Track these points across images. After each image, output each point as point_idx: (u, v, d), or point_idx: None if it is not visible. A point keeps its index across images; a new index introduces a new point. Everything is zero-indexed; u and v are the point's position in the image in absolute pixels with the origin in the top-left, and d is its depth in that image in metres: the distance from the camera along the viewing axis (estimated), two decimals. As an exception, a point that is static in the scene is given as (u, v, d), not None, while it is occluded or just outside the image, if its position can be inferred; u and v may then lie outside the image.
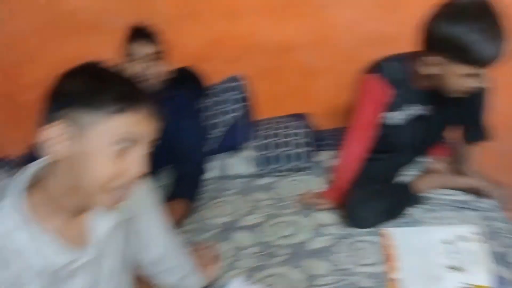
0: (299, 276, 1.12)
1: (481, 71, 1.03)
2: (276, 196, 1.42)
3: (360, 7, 1.55)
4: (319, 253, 1.18)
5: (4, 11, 1.63)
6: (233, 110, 1.56)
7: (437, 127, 1.33)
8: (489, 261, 1.08)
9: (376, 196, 1.24)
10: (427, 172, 1.38)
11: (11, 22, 1.64)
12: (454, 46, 1.00)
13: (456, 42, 0.99)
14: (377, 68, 1.21)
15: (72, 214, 0.68)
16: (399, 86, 1.20)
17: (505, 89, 1.49)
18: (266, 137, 1.55)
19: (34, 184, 0.66)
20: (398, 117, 1.25)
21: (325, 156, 1.53)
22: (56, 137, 0.59)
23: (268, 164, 1.50)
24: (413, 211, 1.27)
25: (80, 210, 0.68)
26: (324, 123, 1.68)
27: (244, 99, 1.60)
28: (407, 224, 1.23)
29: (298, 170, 1.50)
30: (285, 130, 1.57)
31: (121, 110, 0.59)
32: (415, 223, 1.23)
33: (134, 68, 1.28)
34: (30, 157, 1.17)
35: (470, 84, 1.07)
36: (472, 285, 1.03)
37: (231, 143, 1.52)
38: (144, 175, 0.65)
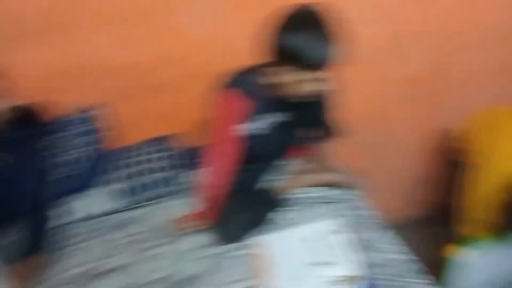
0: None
1: (321, 75, 1.09)
2: (148, 227, 1.33)
3: (215, 23, 1.54)
4: (196, 279, 1.12)
5: None
6: (86, 144, 1.43)
7: (296, 131, 1.38)
8: (357, 249, 1.12)
9: (242, 208, 1.23)
10: (290, 174, 1.42)
11: None
12: (290, 54, 1.05)
13: (294, 50, 1.04)
14: (233, 82, 1.22)
15: None
16: (256, 97, 1.22)
17: (354, 87, 1.64)
18: (128, 166, 1.45)
19: None
20: (260, 127, 1.27)
21: (194, 176, 1.47)
22: None
23: (134, 194, 1.39)
24: (280, 215, 1.29)
25: None
26: (189, 141, 1.63)
27: (96, 131, 1.47)
28: (275, 229, 1.23)
29: (168, 195, 1.43)
30: (148, 155, 1.48)
31: None
32: (283, 226, 1.25)
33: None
34: None
35: (308, 88, 1.12)
36: (344, 276, 1.05)
37: (87, 180, 1.38)
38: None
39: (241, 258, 1.16)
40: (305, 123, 1.37)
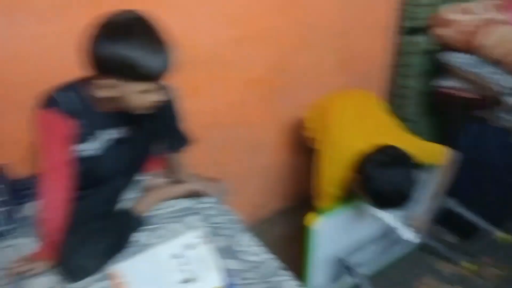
0: None
1: (156, 84, 1.02)
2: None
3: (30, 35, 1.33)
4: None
5: None
6: None
7: (141, 146, 1.30)
8: (216, 259, 1.10)
9: (94, 236, 1.12)
10: (145, 190, 1.35)
11: None
12: (121, 66, 0.95)
13: (121, 61, 0.94)
14: (51, 101, 1.07)
15: None
16: (81, 116, 1.09)
17: (193, 93, 1.62)
18: None
19: None
20: (92, 147, 1.15)
21: (31, 209, 1.30)
22: None
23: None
24: (139, 236, 1.21)
25: None
26: (24, 170, 1.41)
27: None
28: (136, 252, 1.15)
29: (2, 235, 1.22)
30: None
31: None
32: (144, 247, 1.17)
33: None
34: None
35: (152, 98, 1.05)
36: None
37: None
38: None
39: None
40: (153, 134, 1.30)
